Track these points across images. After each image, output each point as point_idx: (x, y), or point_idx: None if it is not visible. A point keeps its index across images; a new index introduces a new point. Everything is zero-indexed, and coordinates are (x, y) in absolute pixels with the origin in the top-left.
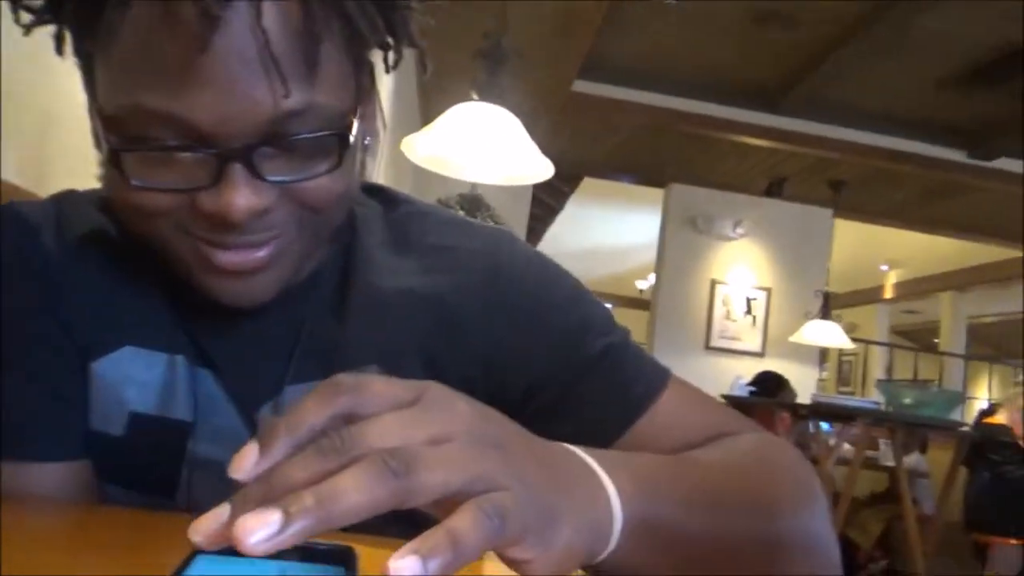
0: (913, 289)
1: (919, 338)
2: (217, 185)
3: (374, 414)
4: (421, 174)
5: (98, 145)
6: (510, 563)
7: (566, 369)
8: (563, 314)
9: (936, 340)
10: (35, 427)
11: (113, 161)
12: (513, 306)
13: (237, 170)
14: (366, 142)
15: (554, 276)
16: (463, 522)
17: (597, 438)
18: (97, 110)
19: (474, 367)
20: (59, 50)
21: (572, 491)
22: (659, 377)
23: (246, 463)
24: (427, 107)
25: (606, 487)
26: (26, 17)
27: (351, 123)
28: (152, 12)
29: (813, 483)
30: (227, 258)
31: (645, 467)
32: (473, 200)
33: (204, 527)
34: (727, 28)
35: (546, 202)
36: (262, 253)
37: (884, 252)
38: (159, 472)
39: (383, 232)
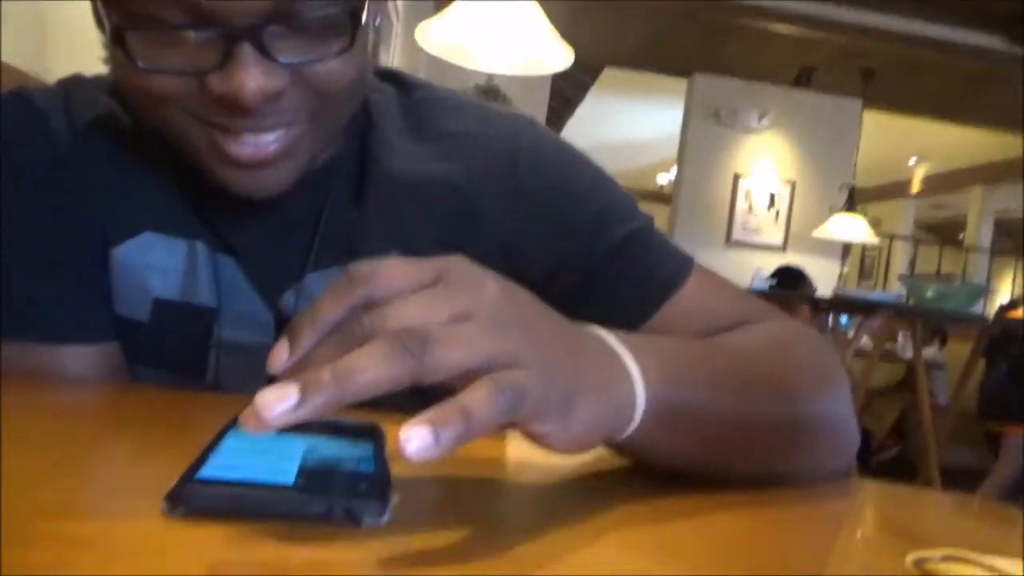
0: (941, 183)
1: (945, 232)
2: (226, 67)
3: (393, 298)
4: (435, 66)
5: (100, 26)
6: (531, 438)
7: (588, 256)
8: (584, 201)
9: (962, 235)
10: (63, 311)
11: (116, 42)
12: (532, 193)
13: (246, 50)
14: (377, 23)
15: (575, 162)
16: (476, 396)
17: (619, 326)
18: None
19: (493, 254)
20: None
21: (595, 371)
22: (683, 264)
23: (279, 359)
24: None
25: (629, 369)
26: None
27: (363, 3)
28: None
29: (836, 368)
30: (239, 150)
31: (670, 349)
32: (489, 92)
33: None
34: None
35: (565, 94)
36: (274, 145)
37: (913, 145)
38: (187, 356)
39: (399, 118)
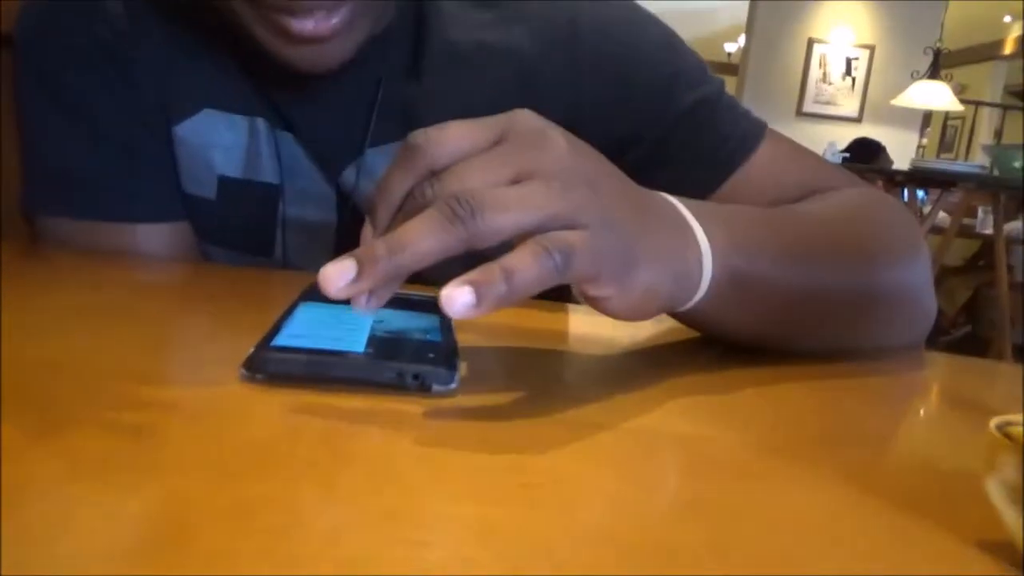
0: None
1: None
2: None
3: (455, 163)
4: None
5: None
6: (589, 300)
7: (656, 123)
8: (651, 66)
9: None
10: (133, 190)
11: None
12: (596, 58)
13: None
14: None
15: (641, 25)
16: (521, 256)
17: (689, 194)
18: None
19: (557, 122)
20: None
21: (660, 237)
22: (755, 130)
23: (366, 237)
24: None
25: (698, 237)
26: None
27: None
28: None
29: (915, 236)
30: (302, 26)
31: (740, 218)
32: None
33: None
34: None
35: None
36: (336, 19)
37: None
38: (255, 233)
39: None
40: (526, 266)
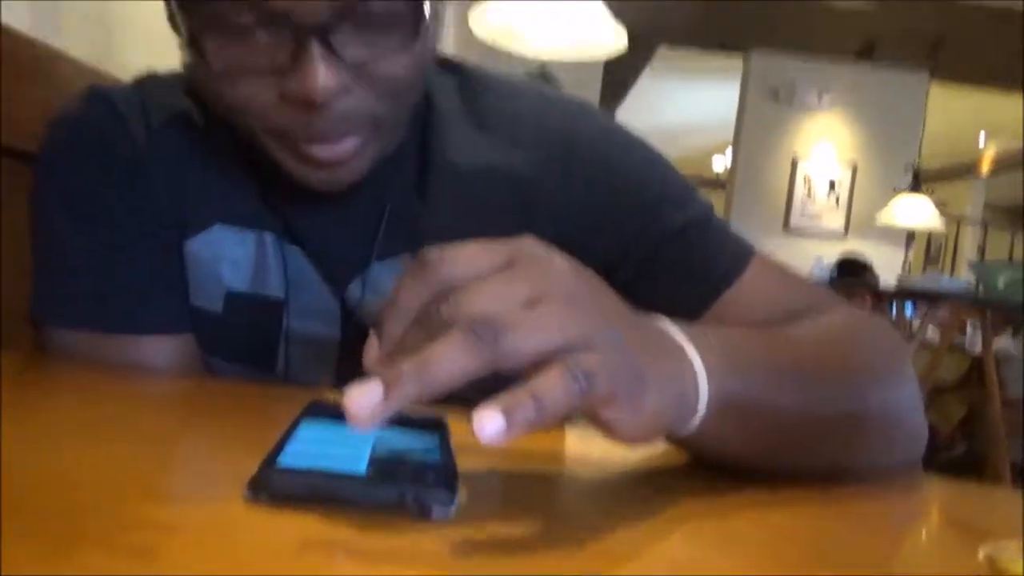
0: (1014, 161)
1: (1017, 215)
2: (296, 65)
3: (468, 282)
4: (487, 53)
5: (175, 28)
6: (597, 425)
7: (645, 244)
8: (640, 187)
9: None
10: (142, 303)
11: (192, 45)
12: (589, 179)
13: (315, 48)
14: (439, 12)
15: (631, 146)
16: (549, 382)
17: (678, 314)
18: None
19: (551, 239)
20: None
21: (660, 359)
22: (743, 252)
23: (371, 353)
24: None
25: (693, 361)
26: None
27: None
28: None
29: (902, 358)
30: (320, 151)
31: (732, 340)
32: (542, 77)
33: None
34: None
35: (617, 77)
36: (349, 144)
37: (984, 120)
38: (258, 346)
39: (459, 106)
40: (554, 390)
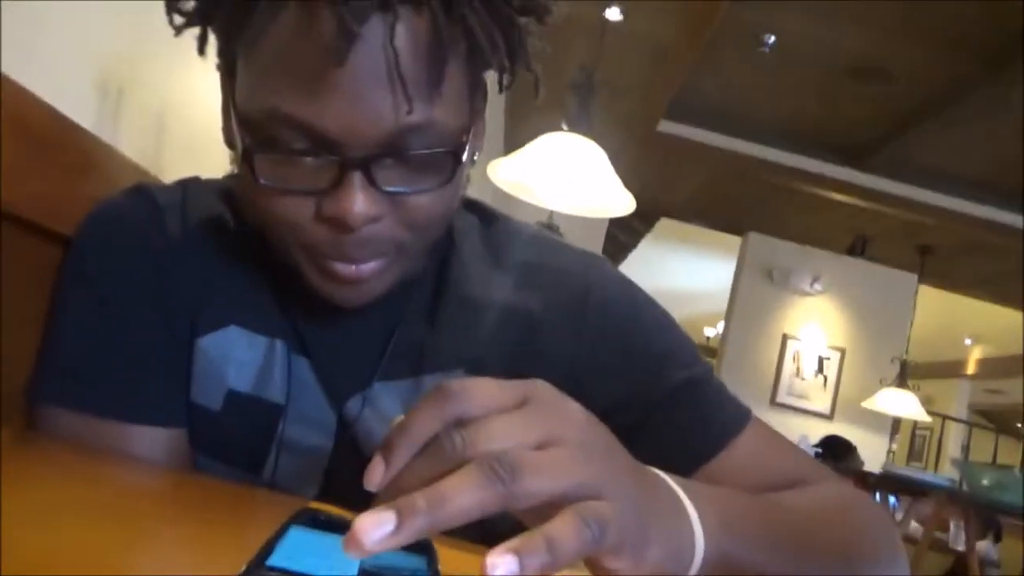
0: (998, 368)
1: (1001, 420)
2: (336, 190)
3: (483, 418)
4: (499, 199)
5: (230, 143)
6: (599, 571)
7: (646, 396)
8: (647, 340)
9: (1020, 424)
10: (142, 392)
11: (246, 160)
12: (599, 328)
13: (356, 177)
14: (474, 159)
15: (642, 303)
16: (562, 527)
17: (673, 468)
18: (235, 110)
19: (556, 382)
20: (201, 51)
21: (663, 512)
22: (740, 416)
23: (376, 474)
24: (512, 133)
25: (691, 517)
26: (178, 19)
27: (464, 141)
28: (296, 24)
29: (894, 539)
30: (346, 269)
31: (726, 500)
32: (548, 229)
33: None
34: (820, 78)
35: (620, 239)
36: (372, 266)
37: (969, 325)
38: (249, 448)
39: (479, 245)
40: (567, 536)
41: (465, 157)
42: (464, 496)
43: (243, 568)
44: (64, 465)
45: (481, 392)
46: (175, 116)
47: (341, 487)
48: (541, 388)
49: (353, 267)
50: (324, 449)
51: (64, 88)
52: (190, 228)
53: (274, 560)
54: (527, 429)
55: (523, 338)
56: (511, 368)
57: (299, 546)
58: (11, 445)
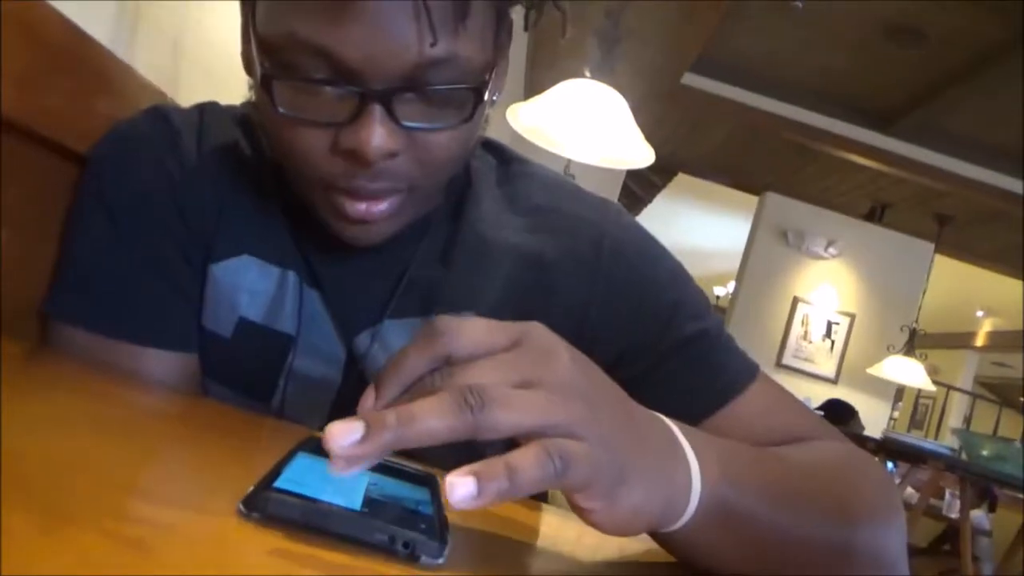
0: (1008, 341)
1: (1005, 394)
2: (355, 122)
3: (471, 358)
4: (517, 144)
5: (248, 69)
6: (575, 509)
7: (655, 346)
8: (660, 291)
9: (1023, 399)
10: (154, 316)
11: (264, 86)
12: (612, 276)
13: (376, 110)
14: (495, 98)
15: (656, 253)
16: (525, 457)
17: (677, 419)
18: (254, 34)
19: (566, 330)
20: None
21: (653, 457)
22: (748, 371)
23: (365, 405)
24: (533, 79)
25: (690, 463)
26: None
27: (487, 79)
28: None
29: (894, 499)
30: (355, 208)
31: (730, 451)
32: None
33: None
34: (853, 37)
35: (636, 192)
36: (384, 205)
37: (983, 297)
38: (258, 377)
39: (496, 187)
40: (528, 466)
41: (487, 96)
42: (432, 418)
43: (250, 489)
44: (74, 380)
45: (471, 332)
46: (193, 39)
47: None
48: (534, 331)
49: (363, 206)
50: (332, 382)
51: (81, 5)
52: (206, 153)
53: (280, 483)
54: (510, 371)
55: (536, 282)
56: (522, 310)
57: (306, 471)
58: (23, 358)
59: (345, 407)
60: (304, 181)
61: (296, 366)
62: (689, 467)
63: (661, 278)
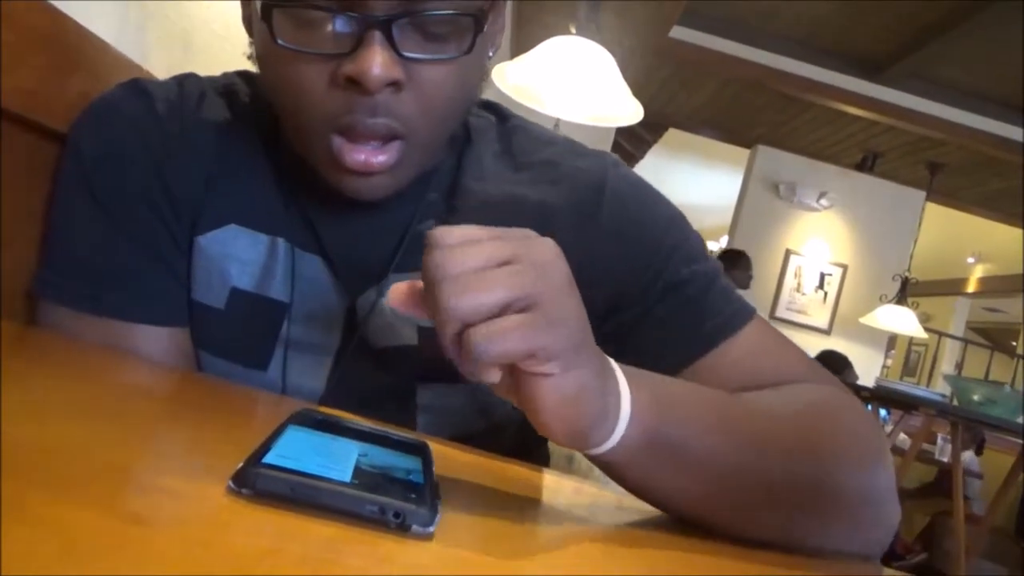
0: (999, 286)
1: (997, 338)
2: (356, 51)
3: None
4: (506, 105)
5: (249, 29)
6: (527, 382)
7: (649, 288)
8: (658, 234)
9: (1014, 343)
10: (142, 292)
11: (264, 17)
12: (610, 222)
13: (376, 37)
14: (490, 54)
15: (654, 200)
16: (506, 316)
17: (666, 361)
18: None
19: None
20: None
21: (596, 372)
22: (741, 315)
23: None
24: (520, 37)
25: (621, 389)
26: None
27: (486, 10)
28: None
29: (877, 442)
30: (355, 156)
31: (671, 390)
32: None
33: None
34: None
35: (626, 149)
36: (384, 157)
37: (974, 243)
38: (254, 346)
39: (495, 142)
40: (503, 321)
41: (484, 37)
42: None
43: (239, 465)
44: (62, 362)
45: (467, 243)
46: (195, 47)
47: (347, 384)
48: (535, 248)
49: (363, 156)
50: (330, 346)
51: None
52: (188, 124)
53: (270, 458)
54: (499, 289)
55: (539, 227)
56: None
57: (296, 445)
58: (10, 341)
59: (345, 371)
60: (303, 126)
61: (292, 333)
62: (620, 391)
63: (659, 223)
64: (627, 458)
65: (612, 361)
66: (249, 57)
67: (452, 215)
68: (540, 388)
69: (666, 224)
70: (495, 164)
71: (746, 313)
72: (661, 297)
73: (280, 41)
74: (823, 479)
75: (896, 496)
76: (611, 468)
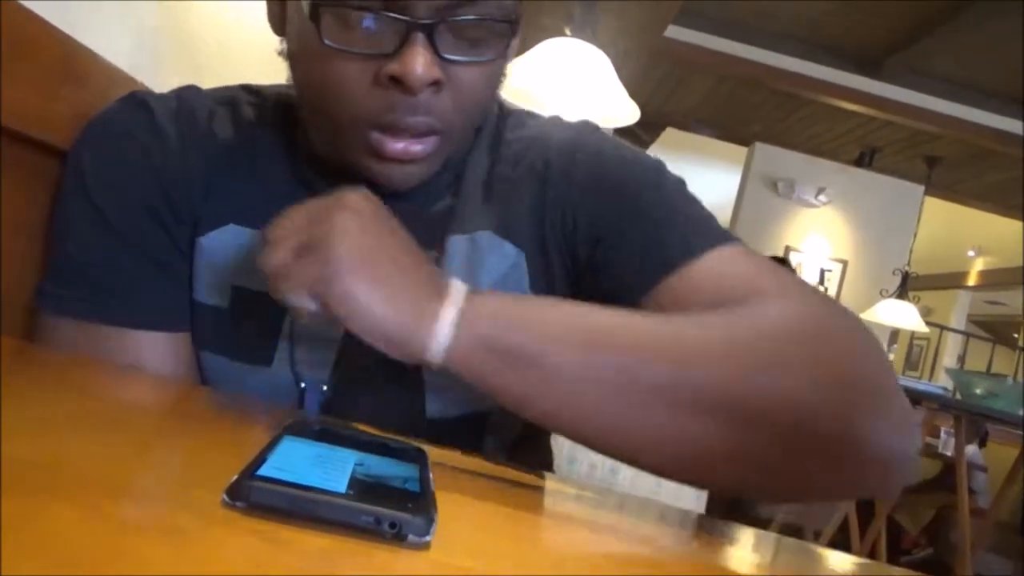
0: (999, 279)
1: (999, 331)
2: (400, 52)
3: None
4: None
5: (279, 28)
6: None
7: (623, 220)
8: (629, 169)
9: (1016, 335)
10: (144, 298)
11: (312, 18)
12: (590, 169)
13: (419, 39)
14: (512, 55)
15: (632, 154)
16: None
17: (631, 286)
18: None
19: (560, 235)
20: None
21: (402, 284)
22: (707, 237)
23: None
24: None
25: (454, 298)
26: None
27: (520, 15)
28: None
29: (880, 374)
30: (394, 146)
31: (523, 303)
32: None
33: None
34: None
35: None
36: (421, 147)
37: (974, 237)
38: (258, 343)
39: (493, 129)
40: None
41: (515, 41)
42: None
43: (233, 479)
44: (62, 377)
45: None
46: (208, 65)
47: (353, 372)
48: (333, 229)
49: (402, 145)
50: (335, 338)
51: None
52: (187, 132)
53: (264, 470)
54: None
55: (538, 191)
56: (536, 220)
57: (291, 456)
58: (9, 356)
59: (350, 359)
60: (342, 123)
61: (296, 326)
62: (451, 300)
63: (635, 171)
64: (464, 365)
65: (454, 282)
66: (280, 54)
67: (457, 199)
68: (335, 308)
69: (642, 170)
70: (492, 148)
71: (714, 237)
72: (631, 224)
73: (327, 41)
74: (729, 396)
75: (904, 433)
76: (460, 376)
